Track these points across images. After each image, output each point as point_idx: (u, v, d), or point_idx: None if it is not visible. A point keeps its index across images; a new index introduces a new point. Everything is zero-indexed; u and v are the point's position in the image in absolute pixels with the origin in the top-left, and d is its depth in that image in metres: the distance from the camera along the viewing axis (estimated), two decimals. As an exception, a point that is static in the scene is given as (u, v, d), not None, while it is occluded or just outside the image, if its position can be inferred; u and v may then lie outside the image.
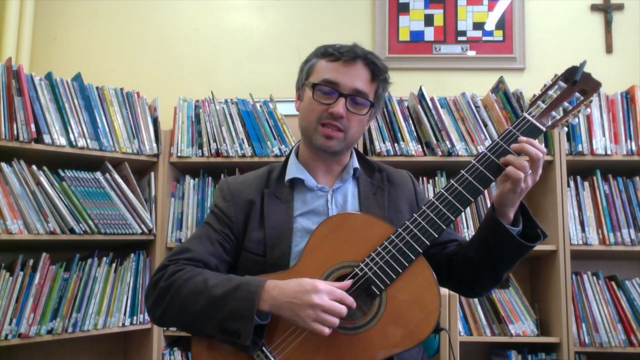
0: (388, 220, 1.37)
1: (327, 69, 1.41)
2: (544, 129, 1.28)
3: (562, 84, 1.31)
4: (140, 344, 2.62)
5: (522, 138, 1.25)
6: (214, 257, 1.38)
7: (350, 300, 1.19)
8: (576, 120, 1.32)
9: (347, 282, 1.23)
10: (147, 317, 2.52)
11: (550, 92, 1.31)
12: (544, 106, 1.30)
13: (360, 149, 2.58)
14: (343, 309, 1.17)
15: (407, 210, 1.49)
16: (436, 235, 1.25)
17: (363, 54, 1.41)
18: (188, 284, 1.28)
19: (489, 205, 2.55)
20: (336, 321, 1.17)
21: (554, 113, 1.30)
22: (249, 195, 1.46)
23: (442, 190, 1.28)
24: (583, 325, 2.46)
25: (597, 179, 2.56)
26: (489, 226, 1.31)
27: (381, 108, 1.59)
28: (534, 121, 1.28)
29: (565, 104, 1.30)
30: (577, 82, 1.30)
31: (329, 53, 1.42)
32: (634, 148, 2.54)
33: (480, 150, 2.52)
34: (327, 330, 1.16)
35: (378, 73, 1.42)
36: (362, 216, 1.35)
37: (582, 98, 1.30)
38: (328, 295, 1.17)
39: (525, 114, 1.29)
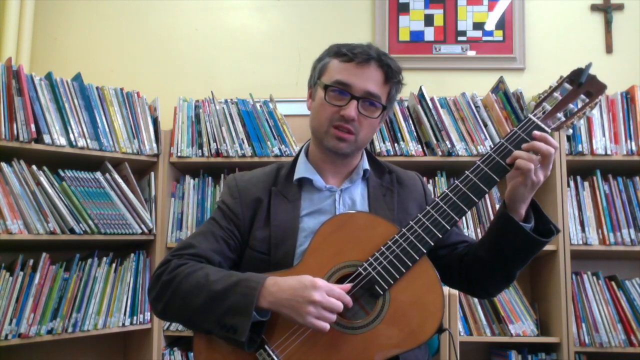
0: (397, 222, 1.37)
1: (339, 70, 1.40)
2: (549, 131, 1.28)
3: (567, 85, 1.31)
4: (140, 344, 2.61)
5: (536, 133, 1.25)
6: (217, 254, 1.38)
7: (347, 299, 1.20)
8: (581, 121, 1.32)
9: (347, 285, 1.23)
10: (147, 317, 2.53)
11: (555, 94, 1.31)
12: (549, 108, 1.30)
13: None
14: (340, 306, 1.18)
15: (416, 211, 1.46)
16: (440, 236, 1.25)
17: (377, 55, 1.40)
18: (190, 278, 1.28)
19: (489, 205, 2.56)
20: (334, 317, 1.18)
21: (558, 115, 1.30)
22: (257, 193, 1.46)
23: (447, 191, 1.28)
24: (583, 325, 2.46)
25: (597, 179, 2.56)
26: (500, 223, 1.31)
27: (393, 109, 1.59)
28: (539, 122, 1.28)
29: (570, 105, 1.30)
30: (582, 84, 1.30)
31: (342, 53, 1.40)
32: (634, 148, 2.54)
33: (480, 150, 2.55)
34: (328, 327, 1.17)
35: (392, 75, 1.41)
36: (366, 215, 1.35)
37: (587, 100, 1.30)
38: (327, 292, 1.18)
39: (530, 116, 1.29)
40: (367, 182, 1.50)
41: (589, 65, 1.31)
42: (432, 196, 1.58)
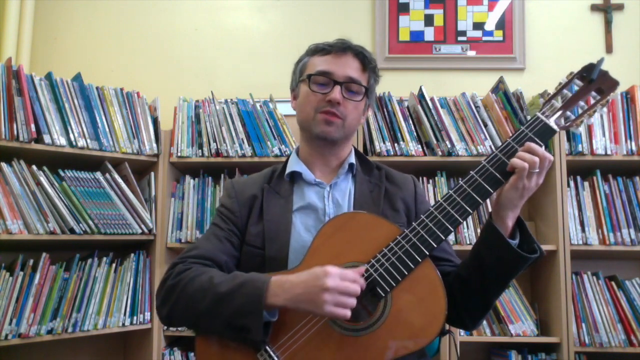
0: (382, 217, 1.37)
1: (319, 63, 1.46)
2: (558, 129, 1.24)
3: (577, 82, 1.27)
4: (140, 344, 2.61)
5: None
6: (222, 253, 1.40)
7: (362, 281, 1.20)
8: (591, 120, 1.26)
9: (361, 269, 1.23)
10: (147, 317, 2.52)
11: (565, 91, 1.26)
12: (557, 105, 1.25)
13: (360, 149, 2.58)
14: (357, 288, 1.17)
15: (403, 209, 1.49)
16: (444, 238, 1.24)
17: (352, 45, 1.47)
18: (194, 282, 1.29)
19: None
20: (353, 302, 1.16)
21: (568, 113, 1.25)
22: (252, 191, 1.50)
23: (451, 192, 1.25)
24: (583, 325, 2.46)
25: (597, 179, 2.56)
26: (484, 236, 1.28)
27: (374, 100, 1.64)
28: (547, 121, 1.24)
29: (581, 103, 1.25)
30: (594, 81, 1.25)
31: (319, 49, 1.48)
32: (634, 148, 2.54)
33: (480, 150, 2.54)
34: (348, 313, 1.16)
35: (368, 62, 1.48)
36: (368, 216, 1.34)
37: (598, 97, 1.25)
38: (340, 277, 1.17)
39: (538, 114, 1.25)
40: (355, 179, 1.52)
41: (600, 61, 1.27)
42: (425, 198, 1.58)
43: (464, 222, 2.55)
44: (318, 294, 1.15)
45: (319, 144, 1.49)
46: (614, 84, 1.26)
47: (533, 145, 1.21)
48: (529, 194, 1.23)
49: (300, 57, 1.55)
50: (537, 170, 1.20)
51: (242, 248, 1.44)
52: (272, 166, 1.60)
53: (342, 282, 1.16)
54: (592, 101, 1.26)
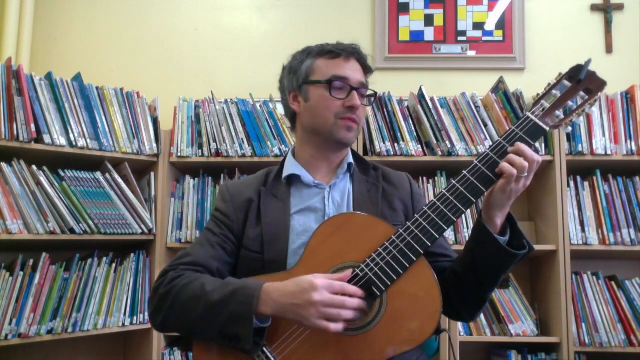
0: (381, 217, 1.38)
1: (330, 66, 1.44)
2: (547, 129, 1.25)
3: (566, 82, 1.28)
4: (140, 344, 2.62)
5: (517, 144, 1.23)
6: (215, 260, 1.39)
7: (352, 288, 1.19)
8: (580, 119, 1.29)
9: (347, 273, 1.22)
10: (147, 317, 2.52)
11: (554, 91, 1.28)
12: (547, 105, 1.27)
13: (360, 149, 2.58)
14: (346, 301, 1.16)
15: (400, 208, 1.48)
16: (438, 237, 1.24)
17: (356, 50, 1.47)
18: (186, 289, 1.28)
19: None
20: (342, 313, 1.16)
21: (557, 112, 1.27)
22: (248, 194, 1.47)
23: (444, 191, 1.26)
24: (583, 325, 2.46)
25: (597, 179, 2.55)
26: (475, 234, 1.30)
27: None
28: (537, 121, 1.25)
29: (570, 103, 1.27)
30: (582, 81, 1.27)
31: (327, 51, 1.46)
32: (634, 148, 2.54)
33: (480, 150, 2.54)
34: (332, 326, 1.15)
35: (368, 66, 1.50)
36: (364, 217, 1.34)
37: (586, 97, 1.27)
38: (327, 290, 1.16)
39: (528, 114, 1.27)
40: (352, 179, 1.51)
41: (588, 62, 1.28)
42: (422, 196, 1.59)
43: (464, 222, 2.56)
44: (304, 307, 1.16)
45: (331, 148, 1.48)
46: (602, 84, 1.28)
47: (522, 146, 1.22)
48: (517, 195, 1.25)
49: (297, 56, 1.52)
50: (526, 175, 1.21)
51: (240, 252, 1.43)
52: (267, 168, 1.58)
53: (329, 295, 1.16)
54: (581, 101, 1.28)
